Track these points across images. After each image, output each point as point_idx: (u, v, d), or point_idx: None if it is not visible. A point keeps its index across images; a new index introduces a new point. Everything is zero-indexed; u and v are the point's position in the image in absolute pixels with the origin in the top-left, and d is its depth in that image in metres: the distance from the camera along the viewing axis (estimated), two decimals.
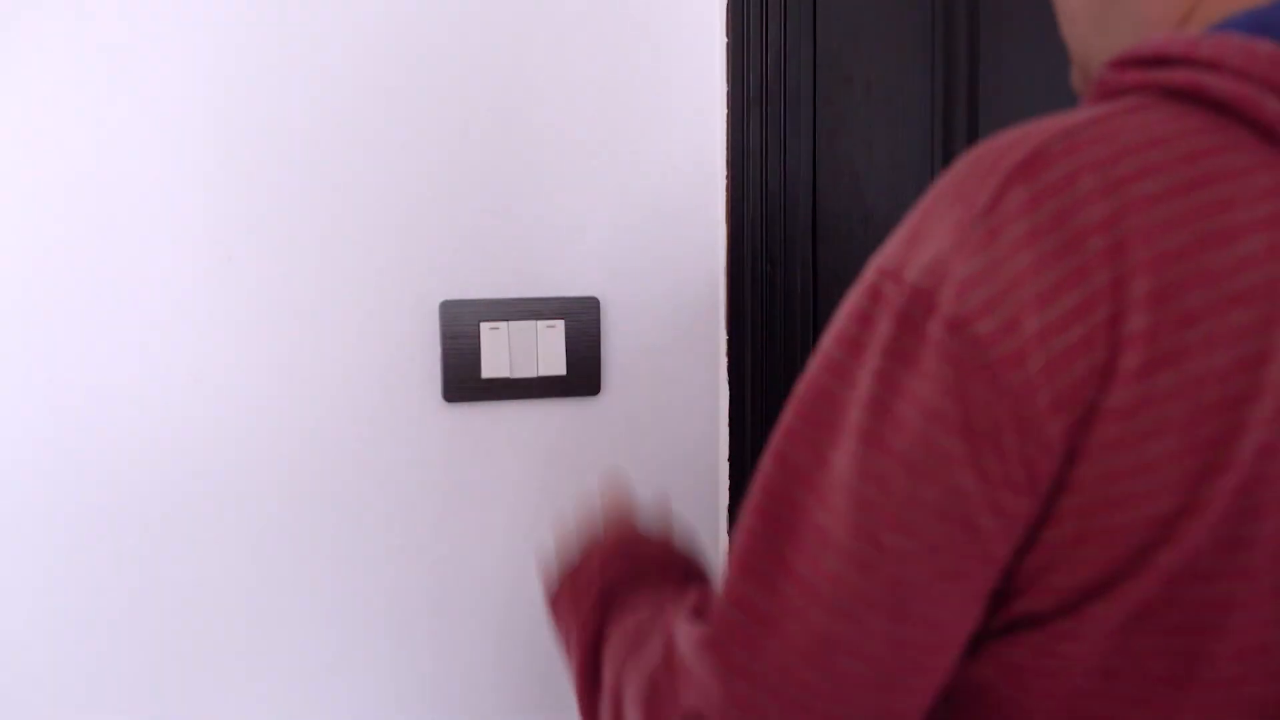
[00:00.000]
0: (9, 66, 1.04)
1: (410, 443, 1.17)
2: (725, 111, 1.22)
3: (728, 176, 1.23)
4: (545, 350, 1.19)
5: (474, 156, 1.16)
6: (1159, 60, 0.54)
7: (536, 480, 1.21)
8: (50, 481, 1.08)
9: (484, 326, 1.17)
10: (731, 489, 1.26)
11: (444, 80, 1.14)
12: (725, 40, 1.21)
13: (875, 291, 0.53)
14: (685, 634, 0.59)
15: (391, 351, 1.16)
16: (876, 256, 0.56)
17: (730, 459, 1.25)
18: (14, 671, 1.08)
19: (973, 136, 1.24)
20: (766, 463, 0.57)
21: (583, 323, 1.21)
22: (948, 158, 1.25)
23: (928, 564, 0.52)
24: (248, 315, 1.11)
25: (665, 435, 1.24)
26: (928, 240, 0.52)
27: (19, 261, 1.06)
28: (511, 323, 1.18)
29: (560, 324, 1.20)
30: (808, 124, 1.23)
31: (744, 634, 0.55)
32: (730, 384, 1.25)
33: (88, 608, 1.10)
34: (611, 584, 0.76)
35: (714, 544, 1.27)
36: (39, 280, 1.06)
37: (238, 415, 1.12)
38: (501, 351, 1.18)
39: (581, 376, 1.21)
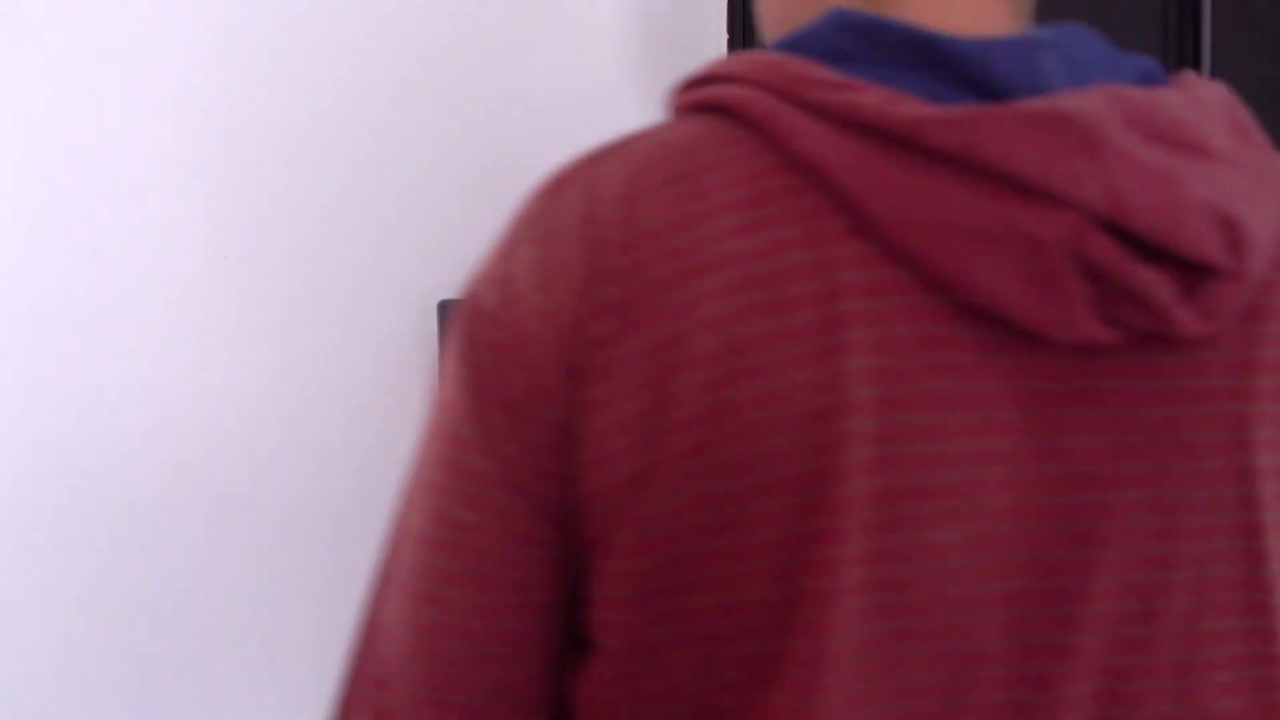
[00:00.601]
0: (2, 63, 1.03)
1: (408, 444, 1.17)
2: None
3: None
4: None
5: (473, 155, 1.15)
6: (703, 80, 0.60)
7: None
8: (43, 480, 1.07)
9: None
10: None
11: (443, 79, 1.13)
12: (726, 36, 1.20)
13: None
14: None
15: (390, 352, 1.15)
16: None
17: None
18: (10, 671, 1.09)
19: None
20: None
21: None
22: None
23: (496, 531, 0.55)
24: (243, 317, 1.11)
25: None
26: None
27: (10, 261, 1.05)
28: None
29: None
30: None
31: (361, 648, 0.59)
32: None
33: (81, 605, 1.09)
34: None
35: None
36: (31, 279, 1.06)
37: (232, 417, 1.12)
38: None
39: None
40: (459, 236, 1.16)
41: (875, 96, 0.57)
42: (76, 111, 1.06)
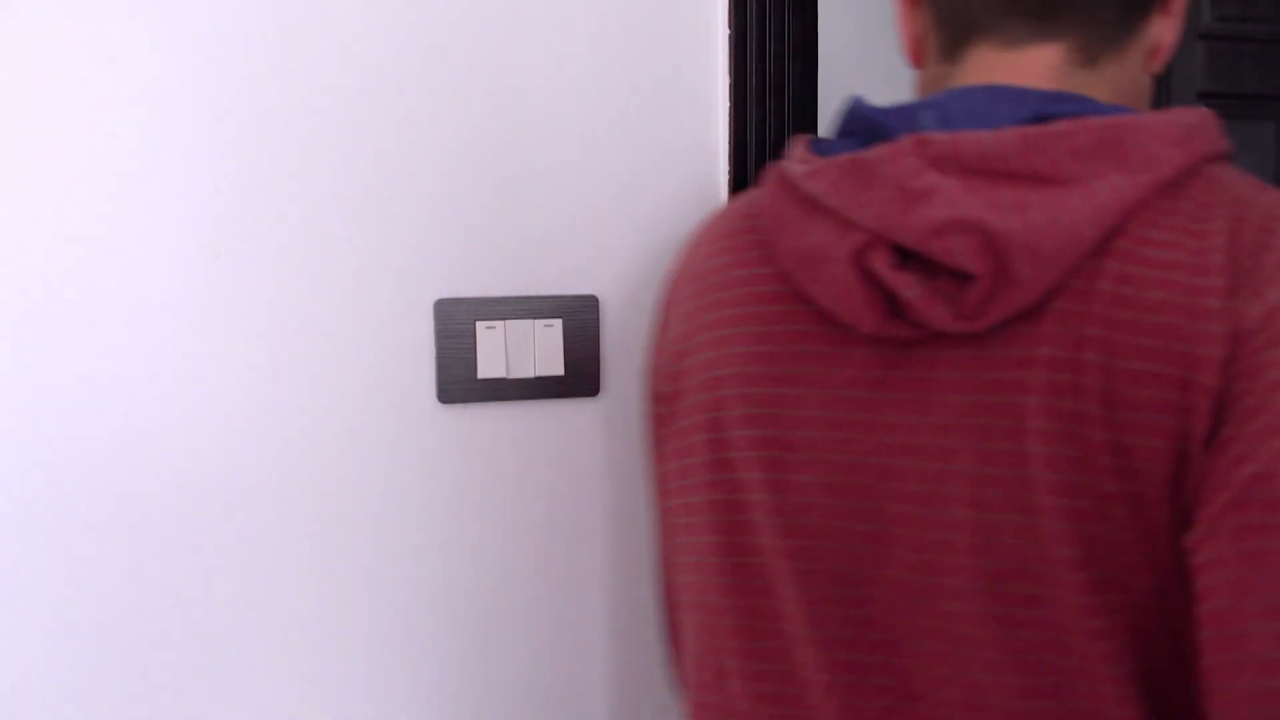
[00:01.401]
0: None
1: (403, 445, 1.14)
2: (728, 105, 1.20)
3: (730, 172, 1.20)
4: (542, 350, 1.17)
5: (469, 151, 1.13)
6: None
7: (533, 483, 1.19)
8: (35, 481, 1.06)
9: (479, 325, 1.15)
10: None
11: (438, 73, 1.12)
12: (728, 31, 1.19)
13: None
14: None
15: (384, 351, 1.13)
16: None
17: None
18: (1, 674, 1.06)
19: None
20: None
21: (581, 322, 1.18)
22: None
23: None
24: (235, 316, 1.09)
25: None
26: None
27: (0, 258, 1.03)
28: (508, 322, 1.16)
29: (558, 323, 1.17)
30: (812, 118, 1.21)
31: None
32: None
33: (73, 608, 1.08)
34: None
35: None
36: (21, 278, 1.04)
37: (224, 418, 1.10)
38: (497, 351, 1.16)
39: (580, 377, 1.19)
40: (456, 235, 1.14)
41: (804, 163, 0.80)
42: (64, 104, 1.04)
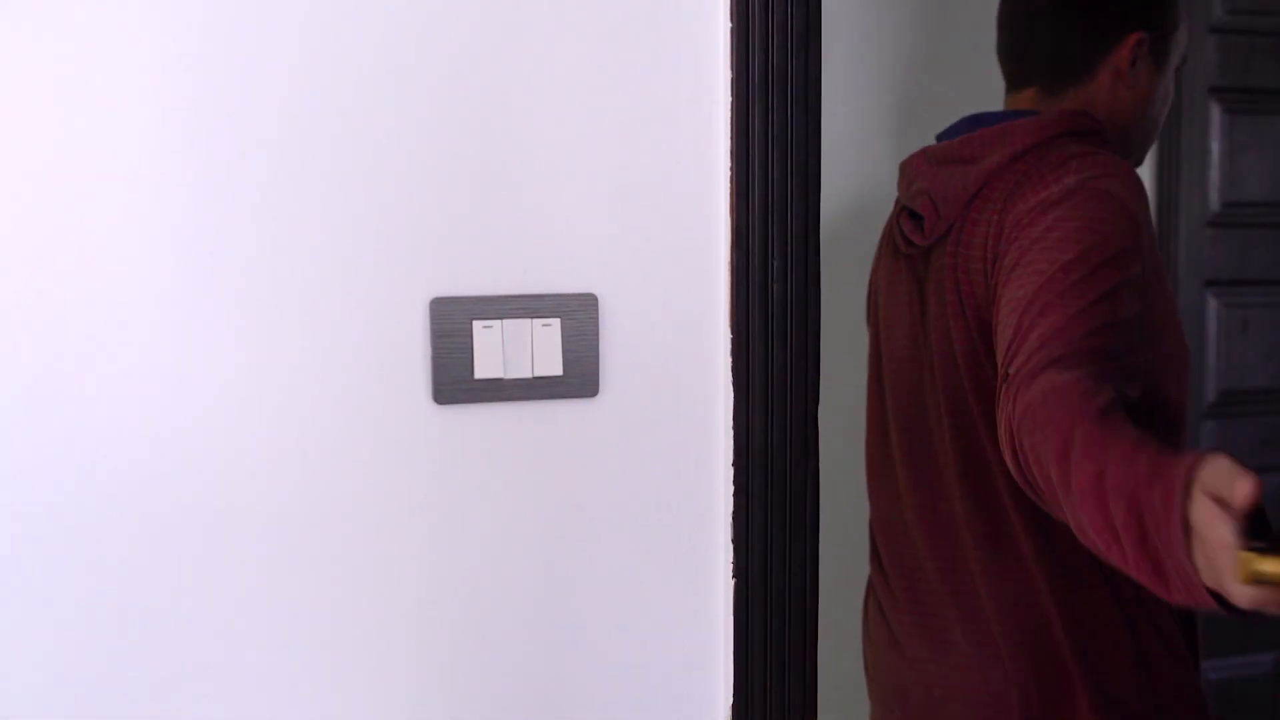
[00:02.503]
0: None
1: (398, 446, 1.13)
2: (729, 99, 1.17)
3: (731, 167, 1.18)
4: (540, 349, 1.15)
5: (464, 146, 1.12)
6: None
7: (531, 485, 1.17)
8: (26, 482, 1.04)
9: (476, 325, 1.13)
10: (735, 495, 1.21)
11: (432, 67, 1.10)
12: (729, 25, 1.16)
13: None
14: None
15: (379, 351, 1.11)
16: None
17: (734, 463, 1.21)
18: None
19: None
20: None
21: (580, 321, 1.16)
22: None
23: None
24: (227, 315, 1.07)
25: (665, 438, 1.20)
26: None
27: None
28: (505, 321, 1.14)
29: (556, 322, 1.15)
30: (815, 112, 1.19)
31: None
32: (734, 385, 1.20)
33: (66, 607, 1.06)
34: None
35: (714, 550, 1.22)
36: (8, 276, 1.02)
37: (215, 418, 1.08)
38: (494, 351, 1.14)
39: (578, 377, 1.17)
40: (452, 232, 1.12)
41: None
42: (56, 100, 1.02)
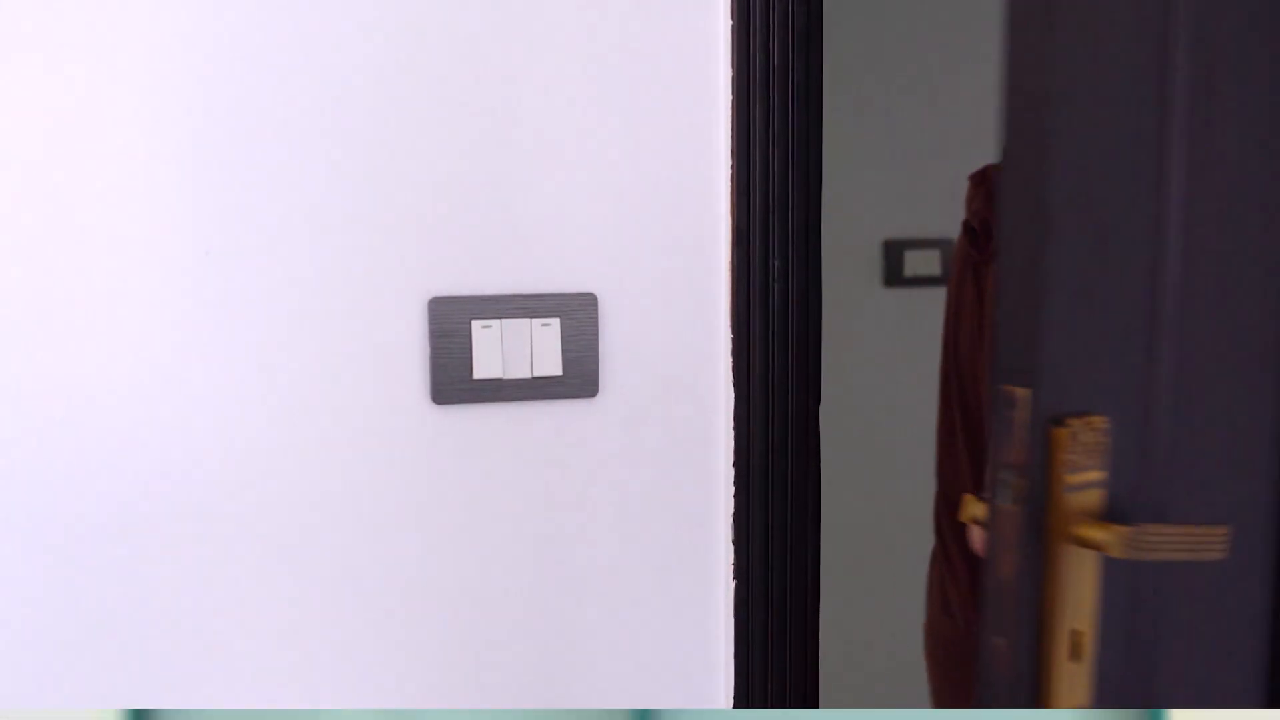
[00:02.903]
0: None
1: (397, 446, 1.12)
2: (730, 98, 1.17)
3: (732, 166, 1.17)
4: (540, 349, 1.15)
5: (464, 146, 1.11)
6: None
7: (530, 486, 1.16)
8: (24, 484, 1.04)
9: (475, 325, 1.13)
10: (735, 495, 1.21)
11: (432, 67, 1.09)
12: (730, 22, 1.16)
13: None
14: None
15: (378, 351, 1.11)
16: None
17: (734, 463, 1.20)
18: None
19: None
20: None
21: (579, 320, 1.16)
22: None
23: None
24: (226, 314, 1.07)
25: (665, 439, 1.19)
26: None
27: None
28: (504, 320, 1.13)
29: (556, 322, 1.15)
30: (817, 111, 1.18)
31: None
32: (734, 385, 1.20)
33: (63, 611, 1.06)
34: None
35: (715, 551, 1.22)
36: (6, 276, 1.02)
37: (215, 419, 1.07)
38: (494, 351, 1.13)
39: (578, 377, 1.16)
40: (451, 232, 1.12)
41: None
42: (51, 100, 1.02)
